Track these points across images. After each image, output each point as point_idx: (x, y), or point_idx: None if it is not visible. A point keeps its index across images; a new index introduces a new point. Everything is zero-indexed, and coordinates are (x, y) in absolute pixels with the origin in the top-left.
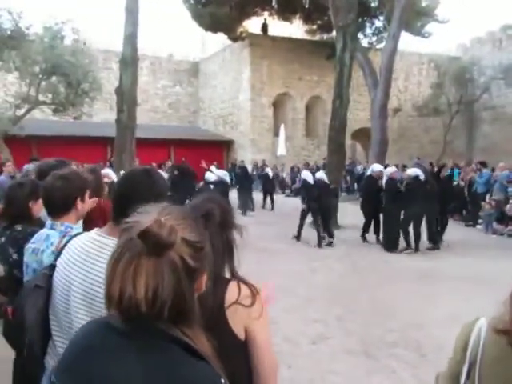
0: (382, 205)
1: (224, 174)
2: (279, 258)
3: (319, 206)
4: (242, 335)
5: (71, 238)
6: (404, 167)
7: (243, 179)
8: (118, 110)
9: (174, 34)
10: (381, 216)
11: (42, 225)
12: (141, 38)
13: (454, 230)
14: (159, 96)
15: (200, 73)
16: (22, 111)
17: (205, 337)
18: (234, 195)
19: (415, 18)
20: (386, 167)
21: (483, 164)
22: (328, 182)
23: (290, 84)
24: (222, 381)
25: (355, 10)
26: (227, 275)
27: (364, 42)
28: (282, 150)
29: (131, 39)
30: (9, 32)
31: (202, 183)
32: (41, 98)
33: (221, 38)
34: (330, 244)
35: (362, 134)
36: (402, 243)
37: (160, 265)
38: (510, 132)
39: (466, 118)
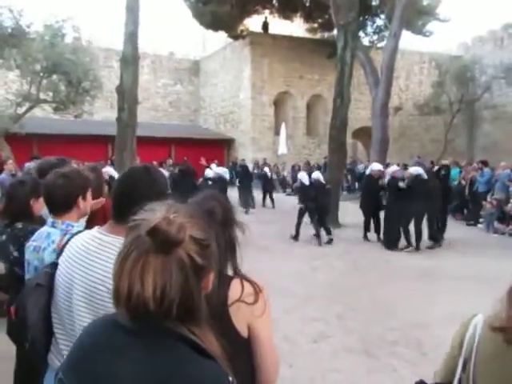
0: (381, 203)
1: (223, 171)
2: (280, 256)
3: (316, 206)
4: (244, 333)
5: (72, 236)
6: (405, 166)
7: (244, 177)
8: (118, 109)
9: (175, 33)
10: (381, 214)
11: (43, 223)
12: (141, 37)
13: (455, 229)
14: (160, 94)
15: (201, 71)
16: (23, 109)
17: (213, 336)
18: (233, 193)
19: (416, 17)
20: (386, 166)
21: (484, 163)
22: (324, 181)
23: (291, 82)
24: (230, 379)
25: (356, 8)
26: (230, 273)
27: (365, 41)
28: (282, 148)
29: (132, 37)
30: (10, 30)
31: (200, 180)
32: (42, 96)
33: (221, 37)
34: (330, 241)
35: (363, 133)
36: (402, 241)
37: (168, 262)
38: (510, 131)
39: (467, 117)
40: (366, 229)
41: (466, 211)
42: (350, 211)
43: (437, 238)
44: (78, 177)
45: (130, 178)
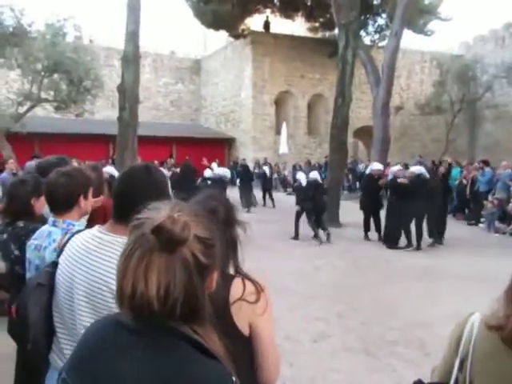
0: (381, 203)
1: (224, 171)
2: (281, 255)
3: (314, 206)
4: (246, 331)
5: (73, 235)
6: (406, 166)
7: (244, 177)
8: (119, 108)
9: (176, 32)
10: (381, 213)
11: (44, 221)
12: (143, 36)
13: (456, 229)
14: (161, 94)
15: (202, 70)
16: (24, 108)
17: (216, 335)
18: (233, 193)
19: (418, 16)
20: (387, 165)
21: (486, 163)
22: (321, 181)
23: (292, 82)
24: (234, 379)
25: (357, 7)
26: (231, 271)
27: (366, 40)
28: (283, 148)
29: (133, 37)
30: (11, 29)
31: (199, 179)
32: (43, 95)
33: (223, 36)
34: (328, 237)
35: (364, 133)
36: (403, 240)
37: (172, 261)
38: None
39: (469, 117)
40: (367, 228)
41: (467, 211)
42: (350, 210)
43: (437, 235)
44: (80, 176)
45: (131, 177)
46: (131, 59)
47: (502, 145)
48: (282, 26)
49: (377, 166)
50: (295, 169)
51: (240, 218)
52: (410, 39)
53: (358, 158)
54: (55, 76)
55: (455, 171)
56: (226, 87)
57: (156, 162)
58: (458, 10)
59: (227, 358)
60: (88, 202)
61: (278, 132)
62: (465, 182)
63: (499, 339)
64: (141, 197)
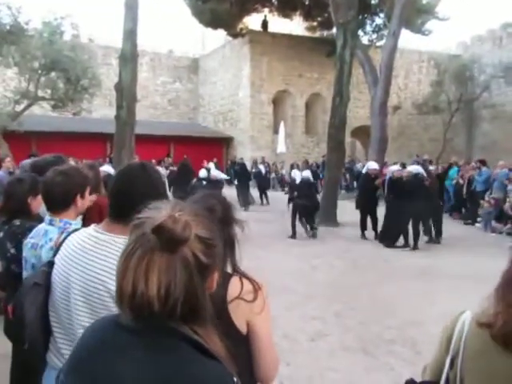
0: (377, 202)
1: (220, 175)
2: (279, 254)
3: (306, 204)
4: (243, 329)
5: (69, 234)
6: (403, 165)
7: (242, 176)
8: (117, 106)
9: (174, 30)
10: (378, 212)
11: (40, 220)
12: (140, 34)
13: (453, 228)
14: (159, 92)
15: (200, 69)
16: (21, 107)
17: (217, 336)
18: (229, 192)
19: (415, 16)
20: (384, 165)
21: (482, 162)
22: (313, 180)
23: (290, 81)
24: (235, 380)
25: (355, 6)
26: (229, 270)
27: (364, 40)
28: (281, 147)
29: (131, 35)
30: (8, 27)
31: (195, 180)
32: (40, 93)
33: (221, 35)
34: (314, 234)
35: (361, 132)
36: (400, 240)
37: (173, 261)
38: (509, 130)
39: (466, 116)
40: (363, 227)
41: (463, 210)
42: (348, 210)
43: (434, 235)
44: (77, 175)
45: (127, 176)
46: (129, 58)
47: (499, 144)
48: (280, 25)
49: (373, 165)
50: (293, 168)
51: (238, 217)
52: (407, 39)
53: (355, 158)
54: (52, 74)
55: (452, 171)
56: (223, 86)
57: (154, 160)
58: (455, 9)
59: (228, 359)
60: (85, 201)
61: (276, 131)
62: (461, 181)
63: (489, 337)
64: (137, 195)
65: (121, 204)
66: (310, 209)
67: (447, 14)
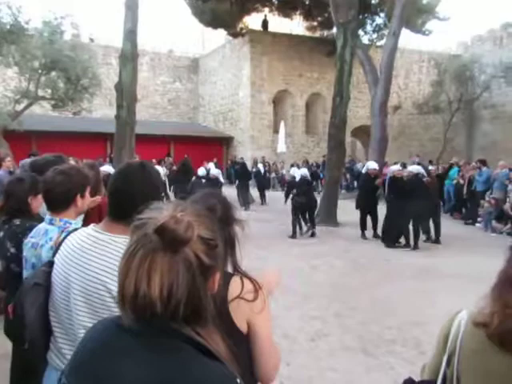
0: (377, 202)
1: (218, 173)
2: (279, 254)
3: (305, 202)
4: (244, 329)
5: (69, 233)
6: (404, 165)
7: (242, 175)
8: (117, 106)
9: (174, 30)
10: (378, 212)
11: (41, 220)
12: (141, 34)
13: (454, 228)
14: (159, 92)
15: (200, 69)
16: (22, 106)
17: (220, 337)
18: (228, 192)
19: (416, 16)
20: (384, 165)
21: (483, 162)
22: (310, 178)
23: (290, 81)
24: (238, 381)
25: (356, 6)
26: (229, 270)
27: (364, 39)
28: (281, 147)
29: (131, 35)
30: (8, 26)
31: (194, 178)
32: (40, 93)
33: (221, 34)
34: (313, 234)
35: (361, 132)
36: (401, 240)
37: (175, 262)
38: (509, 130)
39: (466, 116)
40: (363, 227)
41: (464, 210)
42: (348, 210)
43: (434, 235)
44: (77, 174)
45: (125, 174)
46: (129, 57)
47: (500, 144)
48: (281, 24)
49: (372, 165)
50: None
51: (238, 217)
52: (408, 39)
53: (355, 158)
54: (53, 74)
55: (452, 171)
56: (224, 86)
57: (154, 160)
58: (455, 9)
59: (231, 360)
60: (85, 201)
61: (276, 131)
62: (462, 181)
63: (485, 336)
64: (135, 194)
65: (119, 203)
66: (307, 206)
67: (447, 14)
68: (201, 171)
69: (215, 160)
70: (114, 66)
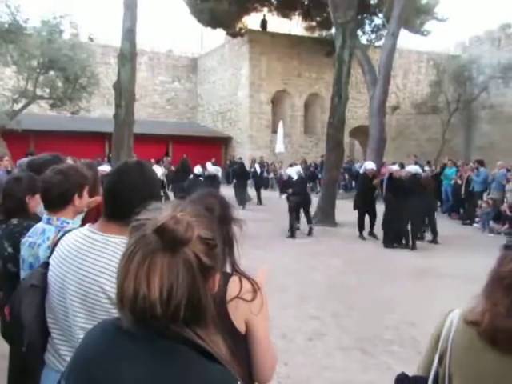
0: (374, 202)
1: (216, 170)
2: (277, 254)
3: (300, 201)
4: (242, 329)
5: (65, 233)
6: (402, 165)
7: (240, 175)
8: (115, 106)
9: (173, 30)
10: (376, 211)
11: (38, 220)
12: (139, 34)
13: (451, 228)
14: (157, 92)
15: (199, 69)
16: (20, 106)
17: (220, 338)
18: (226, 191)
19: (414, 16)
20: (382, 165)
21: (480, 163)
22: (304, 176)
23: (289, 81)
24: (239, 383)
25: (354, 7)
26: (228, 270)
27: (363, 40)
28: (280, 147)
29: (130, 34)
30: (6, 25)
31: (191, 176)
32: (38, 92)
33: (220, 34)
34: (310, 230)
35: (360, 132)
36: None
37: (175, 263)
38: (507, 131)
39: (465, 117)
40: (361, 227)
41: (462, 210)
42: (346, 210)
43: (432, 235)
44: (75, 174)
45: (120, 173)
46: (127, 57)
47: (497, 145)
48: (279, 24)
49: (370, 165)
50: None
51: (236, 216)
52: (406, 39)
53: (354, 158)
54: (51, 73)
55: (450, 171)
56: (222, 86)
57: (152, 160)
58: (454, 10)
59: (232, 362)
60: (82, 201)
61: (275, 131)
62: (460, 181)
63: (476, 334)
64: (132, 193)
65: (115, 202)
66: (301, 204)
67: (446, 15)
68: (197, 169)
69: (213, 160)
70: (112, 65)
